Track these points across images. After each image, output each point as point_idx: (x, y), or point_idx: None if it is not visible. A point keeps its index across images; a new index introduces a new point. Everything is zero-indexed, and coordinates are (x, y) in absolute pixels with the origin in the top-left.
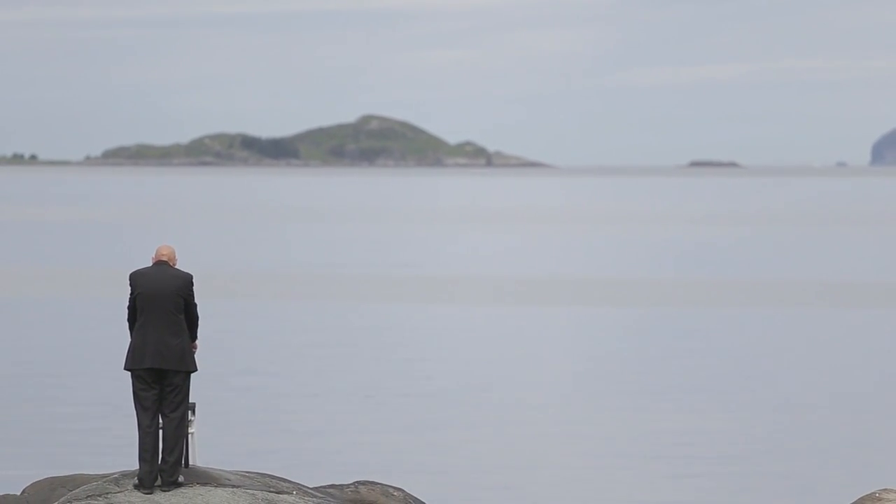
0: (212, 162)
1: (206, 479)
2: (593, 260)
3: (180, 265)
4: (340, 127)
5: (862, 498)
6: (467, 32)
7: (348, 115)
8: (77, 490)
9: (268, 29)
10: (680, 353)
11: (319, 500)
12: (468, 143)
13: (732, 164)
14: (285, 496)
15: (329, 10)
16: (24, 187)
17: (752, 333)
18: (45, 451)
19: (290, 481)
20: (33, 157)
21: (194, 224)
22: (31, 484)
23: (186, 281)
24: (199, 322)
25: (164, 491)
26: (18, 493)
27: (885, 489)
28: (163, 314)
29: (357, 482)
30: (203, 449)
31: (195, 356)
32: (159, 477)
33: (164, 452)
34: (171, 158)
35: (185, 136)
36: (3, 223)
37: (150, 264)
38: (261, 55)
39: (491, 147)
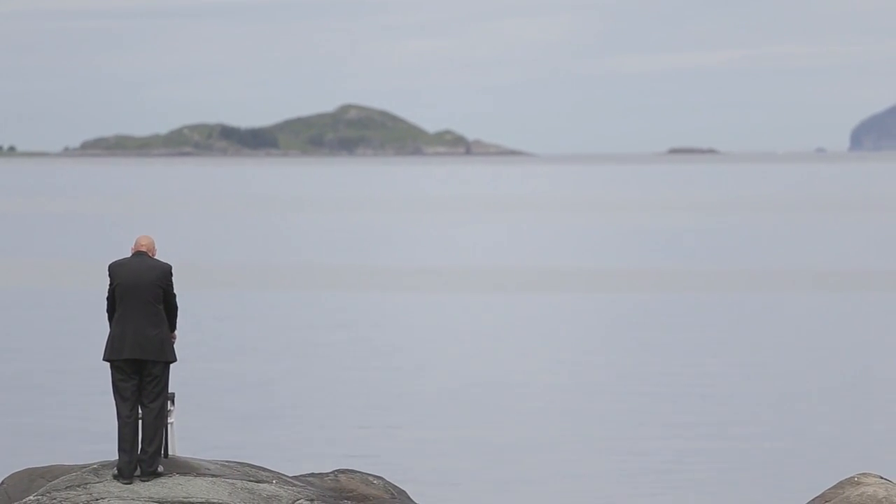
0: (191, 152)
1: (185, 468)
2: (576, 248)
3: (159, 256)
4: (319, 116)
5: (841, 482)
6: (446, 21)
7: (327, 105)
8: (56, 481)
9: (246, 19)
10: (660, 342)
11: (299, 489)
12: (447, 132)
13: (711, 151)
14: (265, 485)
15: None
16: (2, 179)
17: (732, 320)
18: (24, 442)
19: (269, 470)
20: (11, 149)
21: (174, 215)
22: (10, 475)
23: (165, 271)
24: (179, 312)
25: (144, 481)
26: None
27: (863, 473)
28: (142, 305)
29: (337, 470)
30: (182, 439)
31: (174, 346)
32: (139, 467)
33: (144, 442)
34: (150, 149)
35: (164, 127)
36: None
37: (129, 255)
38: (239, 45)
39: (470, 136)
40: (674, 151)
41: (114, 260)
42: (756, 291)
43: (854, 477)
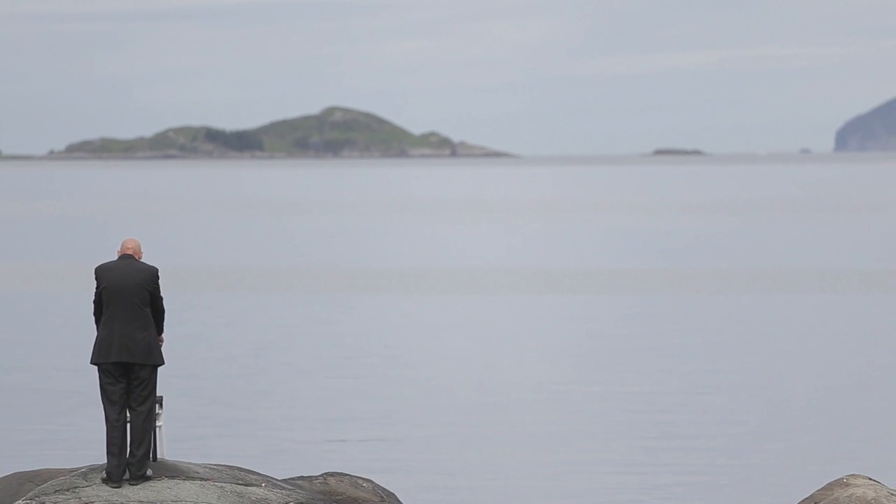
0: (176, 155)
1: (174, 472)
2: (563, 250)
3: (146, 258)
4: (305, 119)
5: (830, 484)
6: (431, 23)
7: (312, 107)
8: (45, 485)
9: (231, 22)
10: (649, 343)
11: (288, 492)
12: (433, 134)
13: (697, 152)
14: (254, 488)
15: (293, 2)
16: None
17: (720, 322)
18: (12, 447)
19: (258, 474)
20: None
21: (160, 218)
22: None
23: (152, 274)
24: (166, 315)
25: (133, 485)
26: None
27: (852, 475)
28: (129, 308)
29: (326, 474)
30: (171, 442)
31: (162, 349)
32: (127, 471)
33: (132, 446)
34: (136, 152)
35: (149, 130)
36: None
37: (116, 258)
38: (224, 48)
39: (455, 137)
40: (659, 153)
41: (100, 263)
42: (745, 293)
43: (843, 478)
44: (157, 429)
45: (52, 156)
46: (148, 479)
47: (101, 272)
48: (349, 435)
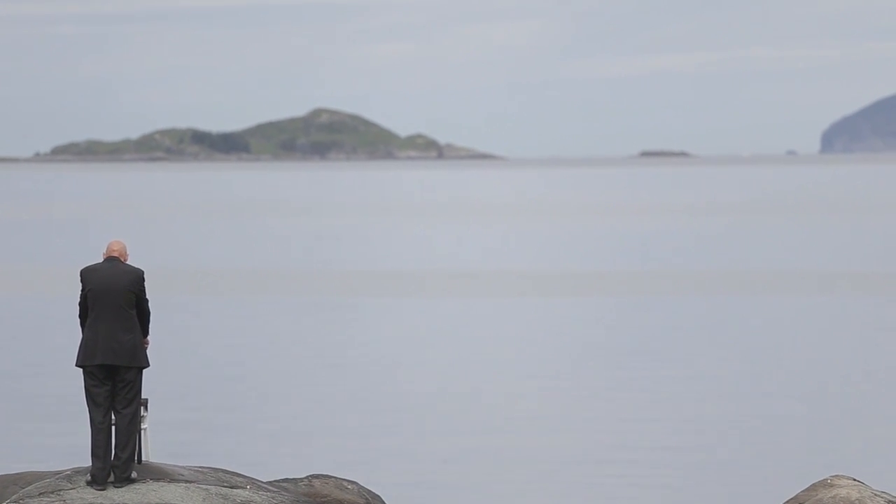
0: (162, 157)
1: (159, 474)
2: (551, 252)
3: (132, 261)
4: (291, 121)
5: (814, 484)
6: (417, 25)
7: (299, 109)
8: (29, 487)
9: (217, 23)
10: (634, 345)
11: (273, 494)
12: (419, 136)
13: (683, 154)
14: (239, 491)
15: (279, 3)
16: None
17: (706, 323)
18: None
19: (243, 476)
20: None
21: (146, 220)
22: None
23: (138, 276)
24: (151, 317)
25: (117, 487)
26: None
27: (836, 475)
28: (114, 310)
29: (311, 476)
30: (156, 445)
31: (147, 352)
32: (112, 473)
33: (117, 448)
34: (122, 154)
35: (135, 132)
36: None
37: (101, 260)
38: (210, 50)
39: (442, 139)
40: (645, 154)
41: (86, 265)
42: (729, 294)
43: (827, 479)
44: (142, 431)
45: (38, 158)
46: (132, 481)
47: (87, 274)
48: (334, 437)
